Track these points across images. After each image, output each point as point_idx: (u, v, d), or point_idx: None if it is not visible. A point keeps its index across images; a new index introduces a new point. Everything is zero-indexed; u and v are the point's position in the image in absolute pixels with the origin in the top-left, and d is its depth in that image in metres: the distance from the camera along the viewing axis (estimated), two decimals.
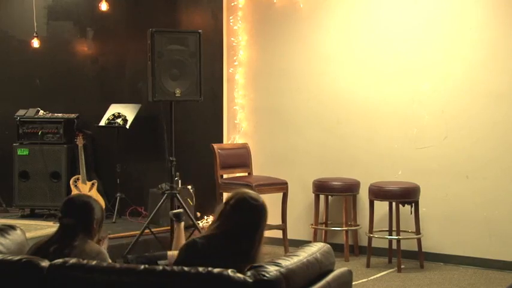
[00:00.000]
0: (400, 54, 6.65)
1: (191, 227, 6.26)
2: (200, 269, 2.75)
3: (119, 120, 7.52)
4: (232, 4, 7.44)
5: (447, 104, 6.44)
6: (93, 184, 7.52)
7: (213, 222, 3.30)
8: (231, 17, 7.46)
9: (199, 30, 6.62)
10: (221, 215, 3.24)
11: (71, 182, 7.50)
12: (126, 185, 7.58)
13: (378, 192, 6.30)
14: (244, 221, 3.18)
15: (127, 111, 7.60)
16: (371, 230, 6.38)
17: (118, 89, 8.04)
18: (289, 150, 7.22)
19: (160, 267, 2.85)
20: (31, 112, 7.91)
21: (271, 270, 2.73)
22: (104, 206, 7.48)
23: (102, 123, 7.64)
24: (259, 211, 3.22)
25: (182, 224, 4.39)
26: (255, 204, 3.22)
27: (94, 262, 2.95)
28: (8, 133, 8.14)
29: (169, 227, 6.39)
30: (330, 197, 6.79)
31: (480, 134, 6.30)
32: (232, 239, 3.15)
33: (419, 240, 6.29)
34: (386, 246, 6.48)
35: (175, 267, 2.84)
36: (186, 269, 2.80)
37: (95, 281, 2.87)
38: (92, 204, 3.50)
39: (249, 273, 2.71)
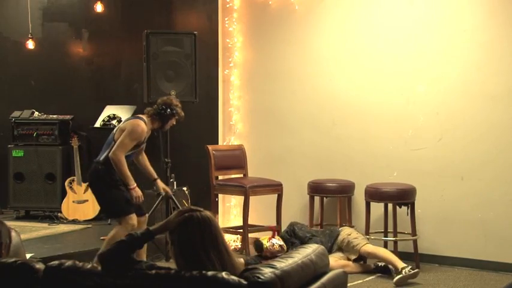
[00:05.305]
0: (395, 56, 6.65)
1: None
2: (194, 272, 2.75)
3: (114, 122, 7.51)
4: (228, 6, 7.44)
5: (442, 105, 6.44)
6: (88, 186, 7.50)
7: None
8: (226, 19, 7.45)
9: (195, 32, 6.62)
10: (176, 256, 2.92)
11: (66, 183, 7.49)
12: None
13: (374, 194, 6.29)
14: (200, 242, 2.88)
15: (122, 113, 7.59)
16: (367, 232, 6.37)
17: (113, 91, 8.03)
18: (285, 151, 7.22)
19: (154, 271, 2.84)
20: (26, 113, 7.89)
21: (266, 272, 2.73)
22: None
23: (97, 124, 7.62)
24: (206, 222, 2.91)
25: None
26: (198, 219, 2.91)
27: (89, 265, 2.95)
28: (2, 134, 8.12)
29: None
30: (325, 198, 6.78)
31: (475, 136, 6.31)
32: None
33: (415, 242, 6.29)
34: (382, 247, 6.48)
35: (169, 271, 2.84)
36: (180, 272, 2.80)
37: (90, 283, 2.87)
38: None
39: (243, 275, 2.71)
